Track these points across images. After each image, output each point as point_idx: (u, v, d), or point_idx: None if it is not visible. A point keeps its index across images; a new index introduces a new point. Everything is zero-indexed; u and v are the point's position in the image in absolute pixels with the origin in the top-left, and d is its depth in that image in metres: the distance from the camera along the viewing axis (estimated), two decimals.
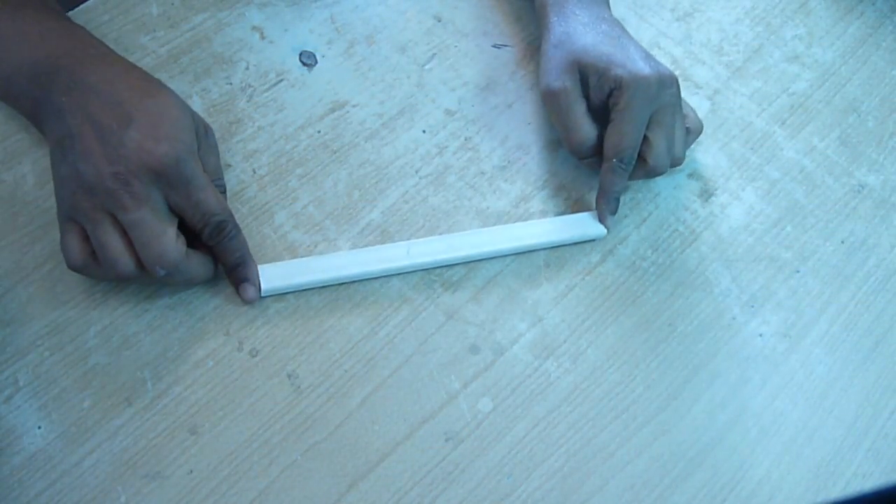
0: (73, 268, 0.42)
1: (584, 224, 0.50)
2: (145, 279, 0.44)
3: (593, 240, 0.51)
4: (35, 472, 0.41)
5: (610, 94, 0.48)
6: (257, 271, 0.46)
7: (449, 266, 0.49)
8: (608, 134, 0.48)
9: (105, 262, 0.41)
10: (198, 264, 0.44)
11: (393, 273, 0.48)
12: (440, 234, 0.50)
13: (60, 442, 0.42)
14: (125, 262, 0.41)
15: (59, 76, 0.43)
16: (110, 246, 0.41)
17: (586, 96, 0.50)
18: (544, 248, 0.50)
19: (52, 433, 0.42)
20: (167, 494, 0.41)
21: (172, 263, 0.42)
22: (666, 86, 0.48)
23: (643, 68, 0.48)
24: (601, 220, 0.50)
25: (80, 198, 0.41)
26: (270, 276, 0.46)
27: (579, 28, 0.51)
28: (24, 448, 0.41)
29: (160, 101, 0.43)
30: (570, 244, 0.50)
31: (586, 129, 0.49)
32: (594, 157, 0.50)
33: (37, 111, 0.45)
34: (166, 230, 0.42)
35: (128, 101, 0.42)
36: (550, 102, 0.51)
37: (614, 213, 0.50)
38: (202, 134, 0.45)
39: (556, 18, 0.52)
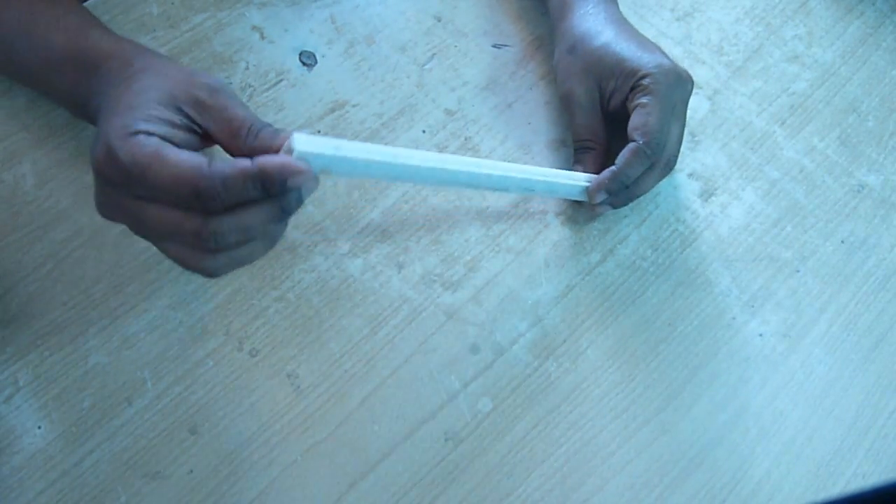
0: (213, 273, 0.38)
1: (573, 178, 0.49)
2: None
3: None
4: (35, 472, 0.41)
5: (632, 88, 0.48)
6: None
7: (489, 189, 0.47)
8: (634, 119, 0.47)
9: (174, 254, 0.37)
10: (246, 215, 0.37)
11: (446, 180, 0.43)
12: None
13: (60, 442, 0.42)
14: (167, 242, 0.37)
15: (87, 111, 0.41)
16: (164, 251, 0.37)
17: (606, 101, 0.50)
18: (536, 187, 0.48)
19: (52, 433, 0.42)
20: (167, 494, 0.41)
21: (205, 233, 0.35)
22: (684, 80, 0.48)
23: (665, 61, 0.48)
24: (591, 191, 0.48)
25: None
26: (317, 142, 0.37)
27: (594, 28, 0.51)
28: (24, 448, 0.41)
29: (124, 93, 0.38)
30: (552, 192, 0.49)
31: (602, 127, 0.50)
32: (603, 154, 0.50)
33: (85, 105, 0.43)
34: (163, 215, 0.35)
35: (112, 97, 0.38)
36: (568, 105, 0.51)
37: (612, 193, 0.48)
38: (197, 95, 0.37)
39: (569, 19, 0.52)
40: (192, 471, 0.42)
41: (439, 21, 0.58)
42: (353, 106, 0.54)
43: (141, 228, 0.37)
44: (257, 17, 0.56)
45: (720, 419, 0.46)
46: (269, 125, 0.38)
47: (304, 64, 0.55)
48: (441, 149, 0.53)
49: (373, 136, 0.53)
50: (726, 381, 0.47)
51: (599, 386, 0.47)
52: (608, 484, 0.44)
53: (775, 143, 0.56)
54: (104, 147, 0.35)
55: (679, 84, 0.48)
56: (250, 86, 0.53)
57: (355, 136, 0.52)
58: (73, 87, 0.42)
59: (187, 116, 0.37)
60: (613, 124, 0.50)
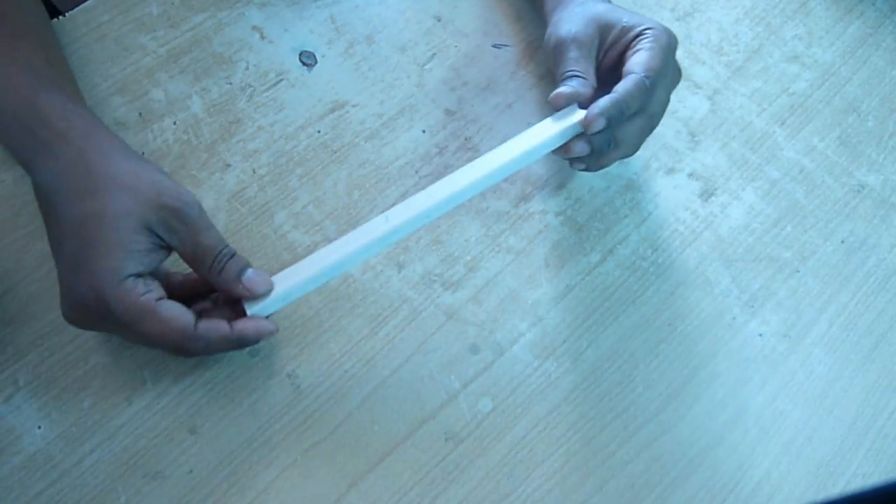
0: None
1: (560, 121, 0.46)
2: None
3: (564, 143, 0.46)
4: (35, 472, 0.41)
5: (635, 37, 0.48)
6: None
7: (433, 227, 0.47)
8: (634, 58, 0.47)
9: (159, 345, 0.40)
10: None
11: (377, 248, 0.43)
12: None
13: (60, 442, 0.42)
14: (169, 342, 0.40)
15: (29, 174, 0.41)
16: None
17: (603, 52, 0.49)
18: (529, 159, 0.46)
19: (52, 433, 0.42)
20: (167, 494, 0.41)
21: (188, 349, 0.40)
22: (675, 47, 0.49)
23: (664, 25, 0.49)
24: (589, 117, 0.44)
25: None
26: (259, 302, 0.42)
27: (592, 4, 0.51)
28: (24, 448, 0.41)
29: (91, 215, 0.38)
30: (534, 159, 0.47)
31: (594, 73, 0.48)
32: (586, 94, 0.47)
33: None
34: (149, 334, 0.39)
35: (62, 218, 0.38)
36: (563, 47, 0.48)
37: (611, 120, 0.44)
38: (166, 219, 0.39)
39: (568, 6, 0.52)
40: (192, 471, 0.42)
41: (439, 21, 0.58)
42: (353, 106, 0.54)
43: (124, 340, 0.42)
44: (257, 17, 0.56)
45: (720, 419, 0.46)
46: (232, 257, 0.41)
47: (304, 64, 0.55)
48: (441, 149, 0.53)
49: (373, 136, 0.53)
50: (726, 382, 0.47)
51: (599, 386, 0.47)
52: (608, 484, 0.44)
53: (775, 143, 0.56)
54: (94, 293, 0.37)
55: (673, 46, 0.49)
56: (250, 86, 0.53)
57: (355, 136, 0.53)
58: (19, 149, 0.41)
59: (158, 237, 0.40)
60: (602, 83, 0.49)
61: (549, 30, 0.51)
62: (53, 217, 0.39)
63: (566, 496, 0.44)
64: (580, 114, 0.46)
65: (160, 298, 0.39)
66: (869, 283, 0.52)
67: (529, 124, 0.54)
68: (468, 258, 0.50)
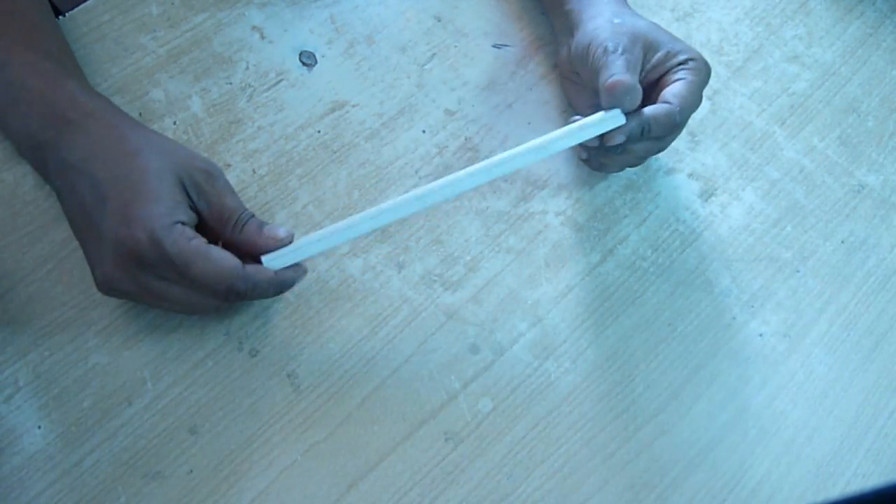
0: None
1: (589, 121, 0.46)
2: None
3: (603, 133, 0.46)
4: (35, 472, 0.41)
5: (678, 65, 0.48)
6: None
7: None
8: (674, 87, 0.47)
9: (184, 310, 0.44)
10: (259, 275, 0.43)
11: (395, 215, 0.43)
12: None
13: (60, 442, 0.42)
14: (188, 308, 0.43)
15: (48, 155, 0.42)
16: (176, 311, 0.43)
17: (645, 71, 0.49)
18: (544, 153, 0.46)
19: (52, 433, 0.42)
20: (167, 494, 0.41)
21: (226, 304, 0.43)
22: (707, 83, 0.49)
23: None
24: (614, 132, 0.46)
25: (104, 293, 0.42)
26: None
27: (625, 12, 0.51)
28: (24, 448, 0.41)
29: (134, 170, 0.40)
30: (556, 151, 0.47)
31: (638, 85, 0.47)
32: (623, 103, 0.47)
33: (50, 184, 0.46)
34: (188, 297, 0.41)
35: (103, 180, 0.40)
36: (609, 58, 0.47)
37: (630, 137, 0.46)
38: (196, 178, 0.42)
39: (597, 5, 0.51)
40: (192, 471, 0.42)
41: (439, 21, 0.58)
42: (353, 106, 0.54)
43: (158, 302, 0.42)
44: (257, 17, 0.56)
45: (720, 419, 0.46)
46: (252, 216, 0.43)
47: (304, 64, 0.55)
48: (441, 149, 0.53)
49: (373, 136, 0.53)
50: (726, 382, 0.47)
51: (599, 386, 0.47)
52: (608, 484, 0.44)
53: (775, 144, 0.56)
54: (148, 233, 0.38)
55: (707, 81, 0.49)
56: (250, 86, 0.53)
57: (355, 136, 0.53)
58: (42, 129, 0.42)
59: (189, 198, 0.42)
60: None
61: (588, 38, 0.49)
62: (89, 183, 0.40)
63: (566, 496, 0.44)
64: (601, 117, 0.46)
65: (207, 244, 0.41)
66: (869, 283, 0.52)
67: (529, 124, 0.55)
68: (468, 258, 0.50)
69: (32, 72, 0.43)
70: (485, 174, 0.45)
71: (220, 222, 0.42)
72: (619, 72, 0.46)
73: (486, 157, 0.53)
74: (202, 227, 0.43)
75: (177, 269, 0.39)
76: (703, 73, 0.48)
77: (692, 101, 0.47)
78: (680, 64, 0.48)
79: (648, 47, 0.49)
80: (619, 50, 0.47)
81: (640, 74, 0.48)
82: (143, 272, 0.40)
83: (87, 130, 0.42)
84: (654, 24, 0.50)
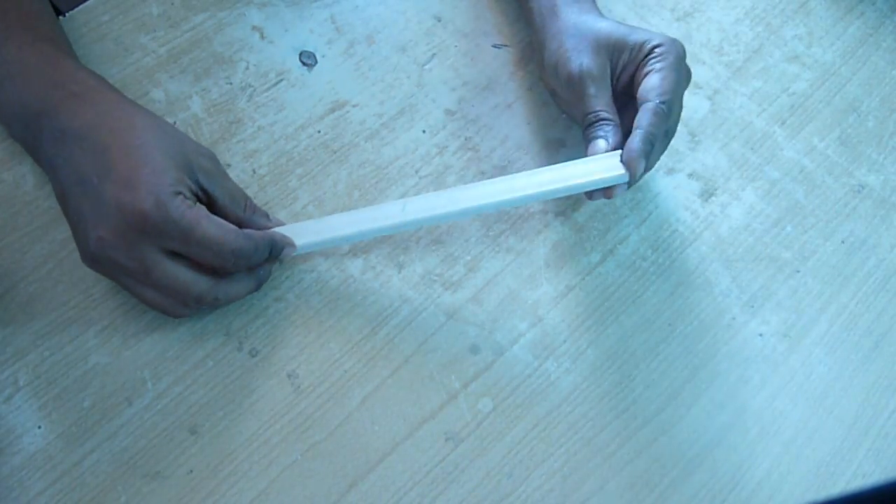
0: (178, 316, 0.44)
1: (602, 166, 0.46)
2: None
3: (611, 186, 0.46)
4: (35, 472, 0.41)
5: (645, 57, 0.48)
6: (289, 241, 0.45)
7: (448, 220, 0.47)
8: (648, 82, 0.47)
9: (166, 310, 0.43)
10: (238, 283, 0.44)
11: (383, 232, 0.46)
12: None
13: (60, 442, 0.42)
14: (172, 306, 0.43)
15: (45, 123, 0.42)
16: (148, 300, 0.42)
17: (616, 76, 0.49)
18: (559, 194, 0.47)
19: (52, 433, 0.42)
20: (167, 494, 0.41)
21: (208, 298, 0.43)
22: (684, 56, 0.49)
23: (671, 36, 0.48)
24: (630, 163, 0.45)
25: (89, 263, 0.41)
26: (301, 233, 0.45)
27: (591, 18, 0.50)
28: (24, 448, 0.42)
29: (144, 144, 0.40)
30: (574, 192, 0.47)
31: (613, 102, 0.48)
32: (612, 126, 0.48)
33: (37, 160, 0.45)
34: (178, 275, 0.41)
35: (109, 147, 0.40)
36: (579, 82, 0.48)
37: (647, 155, 0.45)
38: (203, 163, 0.43)
39: (561, 16, 0.51)
40: (192, 471, 0.42)
41: (439, 21, 0.58)
42: (353, 106, 0.54)
43: (138, 286, 0.41)
44: (257, 17, 0.56)
45: (720, 419, 0.46)
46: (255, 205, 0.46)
47: (304, 64, 0.55)
48: (441, 149, 0.53)
49: (373, 136, 0.53)
50: (726, 382, 0.47)
51: (599, 386, 0.47)
52: (608, 484, 0.44)
53: (775, 143, 0.56)
54: (154, 197, 0.38)
55: (684, 57, 0.48)
56: (250, 86, 0.53)
57: (355, 136, 0.53)
58: (36, 100, 0.42)
59: (197, 182, 0.42)
60: (618, 106, 0.49)
61: (554, 58, 0.49)
62: (94, 150, 0.40)
63: (566, 496, 0.44)
64: (615, 158, 0.46)
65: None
66: (869, 283, 0.52)
67: (529, 124, 0.55)
68: (468, 258, 0.50)
69: (32, 51, 0.44)
70: (482, 207, 0.46)
71: (232, 202, 0.44)
72: (591, 114, 0.47)
73: (486, 156, 0.53)
74: (211, 209, 0.42)
75: (181, 231, 0.39)
76: (672, 55, 0.47)
77: (671, 88, 0.46)
78: (647, 55, 0.48)
79: (612, 51, 0.48)
80: (584, 72, 0.47)
81: (613, 81, 0.49)
82: (143, 240, 0.39)
83: (93, 101, 0.42)
84: (611, 22, 0.50)
